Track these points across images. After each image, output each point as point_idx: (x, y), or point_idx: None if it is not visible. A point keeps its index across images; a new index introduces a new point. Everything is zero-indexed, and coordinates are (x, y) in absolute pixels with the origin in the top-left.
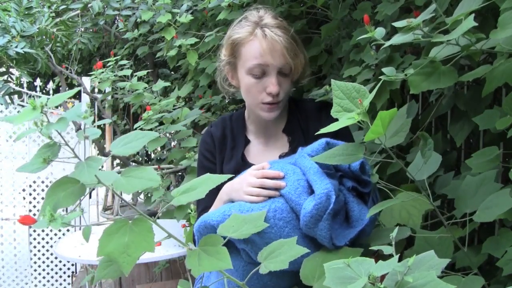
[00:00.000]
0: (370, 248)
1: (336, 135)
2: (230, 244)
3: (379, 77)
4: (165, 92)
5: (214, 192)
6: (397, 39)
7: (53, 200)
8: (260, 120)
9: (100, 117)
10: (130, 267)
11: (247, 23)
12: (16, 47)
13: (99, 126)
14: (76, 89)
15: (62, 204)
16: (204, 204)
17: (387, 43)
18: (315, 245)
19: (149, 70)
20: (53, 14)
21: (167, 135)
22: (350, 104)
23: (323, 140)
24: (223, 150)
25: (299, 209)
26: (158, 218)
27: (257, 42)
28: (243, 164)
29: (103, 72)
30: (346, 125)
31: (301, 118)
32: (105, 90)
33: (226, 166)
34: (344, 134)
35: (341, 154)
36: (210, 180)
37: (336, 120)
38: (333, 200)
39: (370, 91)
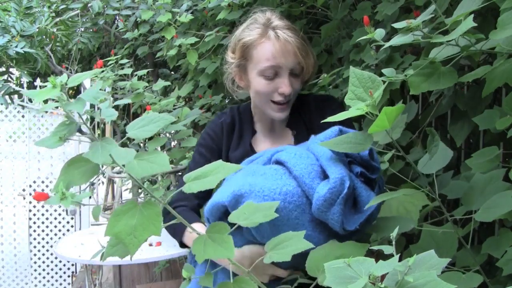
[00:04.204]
0: (370, 248)
1: (340, 125)
2: None
3: (379, 78)
4: (165, 92)
5: None
6: (396, 40)
7: (67, 177)
8: (266, 117)
9: None
10: (136, 248)
11: (256, 25)
12: (16, 46)
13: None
14: (90, 72)
15: (76, 182)
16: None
17: (387, 44)
18: (321, 229)
19: (149, 70)
20: (53, 14)
21: (167, 135)
22: (364, 94)
23: (336, 128)
24: (230, 138)
25: (312, 193)
26: None
27: (270, 43)
28: (251, 153)
29: (103, 71)
30: (354, 115)
31: (304, 113)
32: (105, 90)
33: (232, 154)
34: (348, 126)
35: (350, 142)
36: (222, 168)
37: (339, 111)
38: (347, 185)
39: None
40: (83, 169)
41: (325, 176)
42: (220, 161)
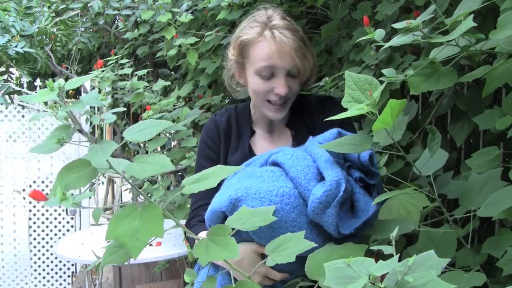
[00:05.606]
0: (370, 248)
1: (341, 125)
2: None
3: (379, 78)
4: (165, 92)
5: (210, 190)
6: (396, 40)
7: (65, 181)
8: (265, 116)
9: None
10: (139, 251)
11: (255, 24)
12: (15, 46)
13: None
14: (88, 76)
15: (73, 185)
16: (200, 202)
17: (387, 44)
18: (319, 231)
19: (149, 70)
20: (53, 14)
21: (167, 135)
22: (361, 96)
23: (335, 130)
24: (228, 141)
25: (308, 195)
26: None
27: (266, 43)
28: (250, 155)
29: (103, 71)
30: (355, 115)
31: (304, 113)
32: (105, 90)
33: (231, 158)
34: (349, 126)
35: (349, 144)
36: (221, 170)
37: (340, 112)
38: (343, 188)
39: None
40: (81, 174)
41: (321, 178)
42: (219, 165)
